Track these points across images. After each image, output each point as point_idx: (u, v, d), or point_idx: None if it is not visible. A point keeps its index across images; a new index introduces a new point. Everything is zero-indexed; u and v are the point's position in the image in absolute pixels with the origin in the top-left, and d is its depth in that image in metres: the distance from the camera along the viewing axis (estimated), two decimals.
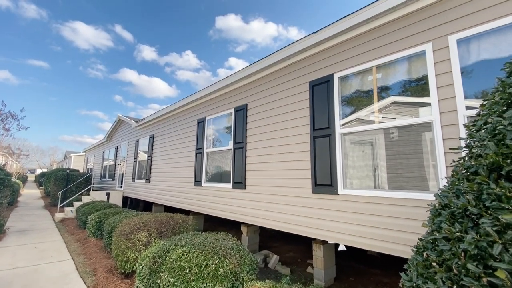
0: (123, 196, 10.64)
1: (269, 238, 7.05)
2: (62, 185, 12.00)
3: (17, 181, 16.90)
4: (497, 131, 1.25)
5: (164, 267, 3.05)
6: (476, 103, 2.54)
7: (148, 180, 8.79)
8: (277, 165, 4.31)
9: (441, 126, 2.66)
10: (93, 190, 12.51)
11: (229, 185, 5.26)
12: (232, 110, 5.51)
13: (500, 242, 0.99)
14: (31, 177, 45.77)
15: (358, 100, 3.49)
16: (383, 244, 2.89)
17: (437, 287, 1.12)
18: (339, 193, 3.36)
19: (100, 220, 6.19)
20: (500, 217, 1.01)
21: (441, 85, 2.73)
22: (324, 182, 3.54)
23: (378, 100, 3.26)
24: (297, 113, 4.08)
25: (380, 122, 3.20)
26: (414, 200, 2.74)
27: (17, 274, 4.25)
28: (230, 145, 5.44)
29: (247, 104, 5.16)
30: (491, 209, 1.10)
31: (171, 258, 3.09)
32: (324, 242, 4.32)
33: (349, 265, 5.18)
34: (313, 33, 3.83)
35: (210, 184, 5.88)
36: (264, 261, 5.11)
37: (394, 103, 3.23)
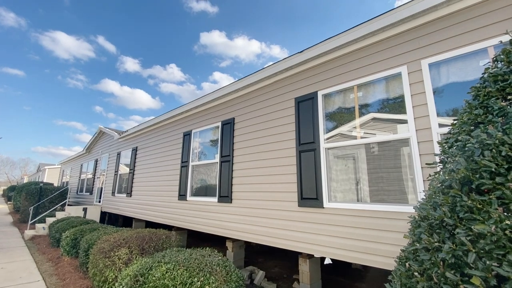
0: (101, 211, 10.14)
1: (255, 254, 6.94)
2: (34, 199, 11.26)
3: None
4: (466, 148, 1.38)
5: (146, 286, 2.92)
6: (448, 121, 2.76)
7: (129, 194, 8.47)
8: (263, 179, 4.35)
9: (418, 142, 2.85)
10: (68, 205, 11.83)
11: (215, 199, 5.20)
12: (219, 124, 5.55)
13: (474, 251, 1.08)
14: None
15: (341, 116, 3.66)
16: (368, 257, 2.96)
17: None
18: (324, 206, 3.43)
19: (76, 237, 5.85)
20: (472, 227, 1.11)
21: (416, 104, 2.94)
22: (310, 195, 3.60)
23: (359, 116, 3.44)
24: (283, 128, 4.19)
25: (362, 137, 3.36)
26: (395, 213, 2.86)
27: None
28: (217, 159, 5.42)
29: (234, 118, 5.23)
30: (464, 220, 1.19)
31: (154, 276, 2.97)
32: (310, 256, 4.33)
33: (334, 280, 5.20)
34: (298, 52, 4.02)
35: (195, 198, 5.78)
36: (249, 277, 5.01)
37: (374, 119, 3.42)
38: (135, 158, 8.69)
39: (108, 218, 10.31)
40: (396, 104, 3.23)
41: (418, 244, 1.35)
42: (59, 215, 9.66)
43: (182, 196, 6.11)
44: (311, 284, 4.25)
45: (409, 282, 1.31)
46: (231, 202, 4.84)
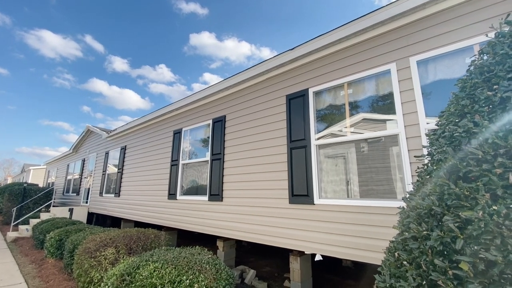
0: (88, 212, 9.86)
1: (245, 253, 6.89)
2: (18, 200, 10.86)
3: None
4: (454, 138, 1.39)
5: (133, 285, 2.83)
6: (435, 118, 2.80)
7: (117, 194, 8.28)
8: (255, 176, 4.31)
9: (406, 138, 2.88)
10: (54, 206, 11.46)
11: (206, 198, 5.13)
12: (210, 122, 5.49)
13: (461, 237, 1.08)
14: None
15: (332, 113, 3.67)
16: (359, 253, 2.97)
17: (408, 284, 1.18)
18: (315, 203, 3.43)
19: (61, 239, 5.66)
20: (460, 213, 1.11)
21: (405, 100, 2.98)
22: (300, 192, 3.59)
23: (350, 113, 3.46)
24: (275, 125, 4.18)
25: (352, 133, 3.38)
26: (385, 208, 2.88)
27: None
28: (208, 157, 5.36)
29: (225, 116, 5.18)
30: (452, 208, 1.20)
31: (142, 275, 2.89)
32: (301, 254, 4.32)
33: (324, 277, 5.21)
34: (290, 50, 4.02)
35: (186, 197, 5.69)
36: (240, 277, 4.95)
37: (364, 120, 3.45)
38: (124, 158, 8.50)
39: (96, 219, 10.03)
40: (385, 102, 3.26)
41: (407, 234, 1.35)
42: (44, 216, 9.34)
43: (172, 195, 6.00)
44: (302, 282, 4.24)
45: (398, 271, 1.30)
46: (222, 201, 4.78)
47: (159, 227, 6.45)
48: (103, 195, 9.24)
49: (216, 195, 4.89)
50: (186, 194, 5.79)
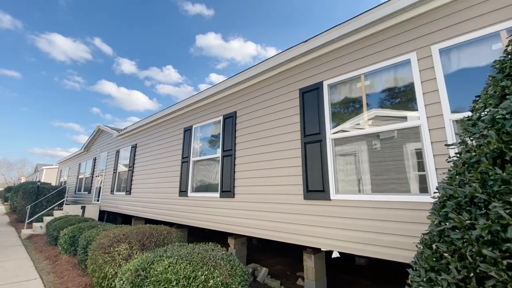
0: (100, 210, 9.99)
1: (255, 252, 6.82)
2: (32, 199, 11.10)
3: None
4: (495, 121, 1.29)
5: (148, 280, 2.80)
6: (460, 107, 2.67)
7: (128, 192, 8.34)
8: (267, 172, 4.24)
9: (429, 129, 2.75)
10: (66, 204, 11.66)
11: (217, 194, 5.09)
12: (221, 118, 5.44)
13: None
14: None
15: (348, 106, 3.57)
16: (379, 249, 2.86)
17: (452, 277, 1.08)
18: (331, 198, 3.33)
19: (74, 235, 5.72)
20: (511, 200, 1.01)
21: (426, 91, 2.85)
22: (316, 188, 3.50)
23: (367, 106, 3.34)
24: (288, 120, 4.09)
25: (370, 126, 3.27)
26: (408, 203, 2.76)
27: None
28: (218, 153, 5.32)
29: (236, 112, 5.12)
30: (499, 194, 1.10)
31: (156, 271, 2.85)
32: (315, 252, 4.23)
33: (338, 276, 5.09)
34: (302, 42, 3.93)
35: (197, 194, 5.67)
36: (252, 275, 4.89)
37: (382, 111, 3.33)
38: (135, 156, 8.56)
39: (107, 217, 10.16)
40: (405, 93, 3.14)
41: (445, 224, 1.25)
42: (57, 213, 9.50)
43: (183, 192, 5.99)
44: (317, 280, 4.15)
45: (438, 264, 1.20)
46: (233, 197, 4.73)
47: (170, 225, 6.45)
48: (114, 193, 9.34)
49: (227, 191, 4.84)
50: (197, 191, 5.77)
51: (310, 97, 3.83)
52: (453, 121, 2.66)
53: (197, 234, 8.18)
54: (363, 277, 5.12)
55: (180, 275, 2.76)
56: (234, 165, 4.86)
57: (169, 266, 2.88)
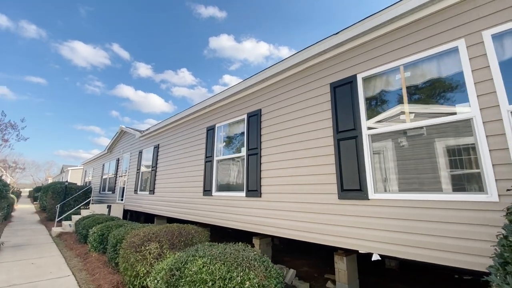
0: (123, 209, 10.24)
1: (279, 252, 6.68)
2: (60, 198, 11.57)
3: (12, 195, 16.33)
4: None
5: (183, 280, 2.76)
6: None
7: (152, 191, 8.47)
8: (296, 171, 4.11)
9: (483, 122, 2.52)
10: (92, 203, 12.07)
11: (243, 194, 5.01)
12: (245, 116, 5.36)
13: None
14: (25, 193, 44.70)
15: (385, 99, 3.37)
16: (429, 253, 2.64)
17: None
18: (370, 197, 3.15)
19: (103, 233, 5.84)
20: None
21: (478, 80, 2.61)
22: (352, 187, 3.33)
23: (408, 98, 3.13)
24: (318, 116, 3.94)
25: (412, 120, 3.05)
26: (459, 202, 2.54)
27: None
28: (243, 152, 5.24)
29: (261, 110, 5.02)
30: None
31: (191, 271, 2.80)
32: (347, 254, 4.05)
33: (369, 280, 4.86)
34: (333, 34, 3.77)
35: (221, 193, 5.62)
36: None
37: (423, 101, 3.10)
38: (157, 156, 8.69)
39: (130, 216, 10.40)
40: (451, 83, 2.91)
41: None
42: (84, 212, 9.84)
43: (207, 191, 5.97)
44: (349, 284, 3.97)
45: None
46: (260, 196, 4.63)
47: (192, 224, 6.45)
48: (138, 192, 9.53)
49: (254, 190, 4.75)
50: (222, 190, 5.72)
51: (343, 91, 3.66)
52: (511, 112, 2.41)
53: (219, 233, 8.16)
54: (397, 281, 4.86)
55: (216, 276, 2.69)
56: (260, 164, 4.76)
57: (203, 266, 2.82)
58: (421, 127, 3.00)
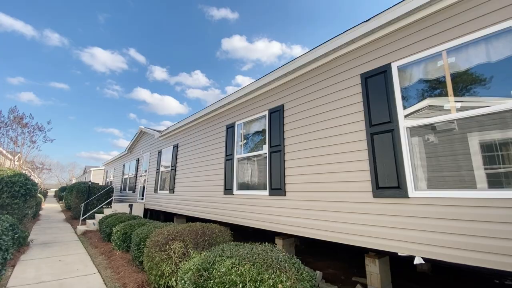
0: (144, 208, 10.39)
1: (300, 253, 6.44)
2: (84, 197, 11.94)
3: (39, 195, 17.12)
4: None
5: (211, 281, 2.64)
6: None
7: (172, 190, 8.51)
8: (324, 168, 3.89)
9: None
10: (114, 202, 12.37)
11: (266, 192, 4.85)
12: (266, 113, 5.20)
13: None
14: (51, 193, 46.98)
15: (425, 88, 3.09)
16: (487, 257, 2.36)
17: None
18: (410, 196, 2.89)
19: (126, 232, 5.88)
20: None
21: None
22: (388, 184, 3.08)
23: (453, 86, 2.84)
24: (347, 109, 3.71)
25: (457, 111, 2.76)
26: None
27: None
28: (265, 149, 5.08)
29: (283, 105, 4.85)
30: None
31: (219, 271, 2.68)
32: (379, 256, 3.79)
33: (401, 284, 4.55)
34: (364, 22, 3.52)
35: (242, 192, 5.50)
36: None
37: (469, 89, 2.81)
38: (177, 155, 8.72)
39: (150, 215, 10.53)
40: (504, 67, 2.60)
41: None
42: (107, 211, 10.07)
43: (228, 190, 5.86)
44: None
45: None
46: (284, 195, 4.45)
47: (212, 222, 6.37)
48: (158, 191, 9.62)
49: (277, 189, 4.57)
50: (243, 189, 5.60)
51: (375, 82, 3.41)
52: None
53: (238, 233, 8.03)
54: (431, 286, 4.52)
55: (246, 278, 2.54)
56: (284, 161, 4.58)
57: (232, 267, 2.69)
58: (469, 117, 2.70)
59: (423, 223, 2.75)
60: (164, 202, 9.01)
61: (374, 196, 3.19)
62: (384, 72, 3.35)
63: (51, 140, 13.87)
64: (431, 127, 3.00)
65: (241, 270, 2.63)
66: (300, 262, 3.02)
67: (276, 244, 5.17)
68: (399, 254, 2.95)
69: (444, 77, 2.90)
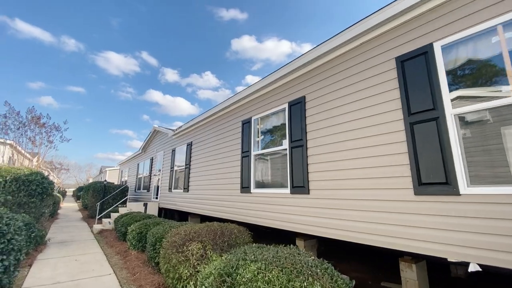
0: (158, 207, 10.31)
1: (320, 255, 6.08)
2: (100, 196, 12.02)
3: (58, 194, 17.52)
4: None
5: None
6: None
7: (186, 189, 8.34)
8: (353, 164, 3.54)
9: None
10: (128, 201, 12.40)
11: (287, 190, 4.54)
12: (286, 106, 4.89)
13: None
14: (69, 192, 48.51)
15: (476, 70, 2.69)
16: None
17: None
18: (461, 192, 2.50)
19: (141, 231, 5.73)
20: None
21: None
22: (433, 179, 2.70)
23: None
24: (380, 98, 3.34)
25: None
26: None
27: None
28: (285, 145, 4.77)
29: (305, 97, 4.51)
30: None
31: (244, 277, 2.40)
32: (416, 261, 3.41)
33: None
34: None
35: (261, 190, 5.21)
36: None
37: None
38: (191, 153, 8.54)
39: (164, 214, 10.44)
40: None
41: None
42: (122, 210, 10.05)
43: (245, 188, 5.59)
44: None
45: None
46: (308, 193, 4.12)
47: (227, 222, 6.12)
48: (172, 190, 9.50)
49: (300, 187, 4.25)
50: (261, 187, 5.31)
51: (414, 65, 3.03)
52: None
53: (254, 233, 7.74)
54: None
55: (275, 285, 2.25)
56: (307, 157, 4.25)
57: (258, 273, 2.40)
58: None
59: (480, 224, 2.37)
60: (178, 201, 8.87)
61: (416, 194, 2.82)
62: (424, 53, 2.96)
63: (67, 140, 14.11)
64: (484, 114, 2.60)
65: (268, 276, 2.34)
66: (331, 267, 2.70)
67: (296, 245, 4.86)
68: (448, 260, 2.57)
69: (500, 54, 2.50)
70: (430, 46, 2.93)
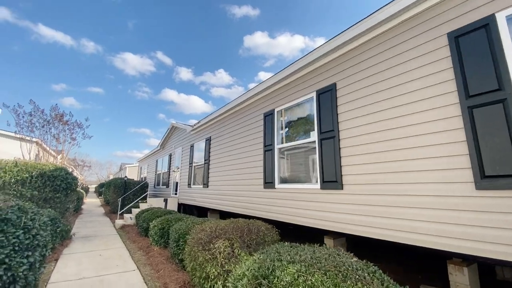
0: (178, 203, 10.30)
1: None
2: (121, 192, 12.23)
3: (81, 190, 18.12)
4: None
5: None
6: None
7: (206, 185, 8.21)
8: (395, 155, 3.18)
9: None
10: (148, 197, 12.53)
11: (316, 186, 4.23)
12: (314, 94, 4.56)
13: None
14: (92, 189, 50.47)
15: None
16: None
17: None
18: None
19: (163, 227, 5.63)
20: None
21: None
22: (500, 171, 2.31)
23: None
24: (429, 80, 2.95)
25: None
26: None
27: (82, 286, 3.74)
28: (313, 137, 4.45)
29: (335, 84, 4.17)
30: None
31: (283, 281, 2.14)
32: (468, 264, 3.02)
33: None
34: None
35: (287, 186, 4.93)
36: None
37: None
38: (209, 148, 8.40)
39: (183, 209, 10.43)
40: None
41: None
42: (143, 206, 10.13)
43: (268, 183, 5.34)
44: None
45: None
46: (341, 189, 3.80)
47: (247, 218, 5.90)
48: (191, 186, 9.43)
49: (332, 182, 3.94)
50: (286, 182, 5.03)
51: (472, 40, 2.62)
52: None
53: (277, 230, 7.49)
54: None
55: None
56: (339, 149, 3.92)
57: (298, 276, 2.14)
58: None
59: None
60: (197, 196, 8.77)
61: (477, 188, 2.44)
62: (484, 26, 2.55)
63: (89, 137, 14.44)
64: None
65: (311, 280, 2.08)
66: (379, 270, 2.39)
67: (325, 243, 4.55)
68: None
69: None
70: (491, 17, 2.51)
